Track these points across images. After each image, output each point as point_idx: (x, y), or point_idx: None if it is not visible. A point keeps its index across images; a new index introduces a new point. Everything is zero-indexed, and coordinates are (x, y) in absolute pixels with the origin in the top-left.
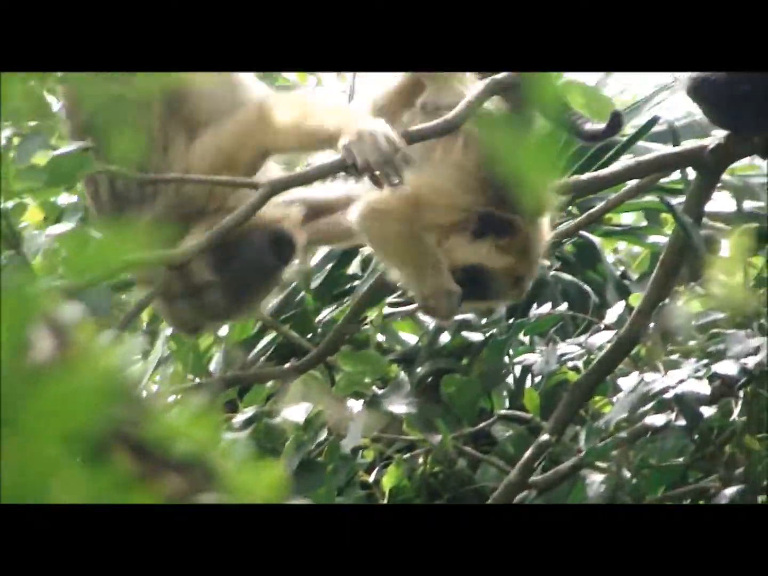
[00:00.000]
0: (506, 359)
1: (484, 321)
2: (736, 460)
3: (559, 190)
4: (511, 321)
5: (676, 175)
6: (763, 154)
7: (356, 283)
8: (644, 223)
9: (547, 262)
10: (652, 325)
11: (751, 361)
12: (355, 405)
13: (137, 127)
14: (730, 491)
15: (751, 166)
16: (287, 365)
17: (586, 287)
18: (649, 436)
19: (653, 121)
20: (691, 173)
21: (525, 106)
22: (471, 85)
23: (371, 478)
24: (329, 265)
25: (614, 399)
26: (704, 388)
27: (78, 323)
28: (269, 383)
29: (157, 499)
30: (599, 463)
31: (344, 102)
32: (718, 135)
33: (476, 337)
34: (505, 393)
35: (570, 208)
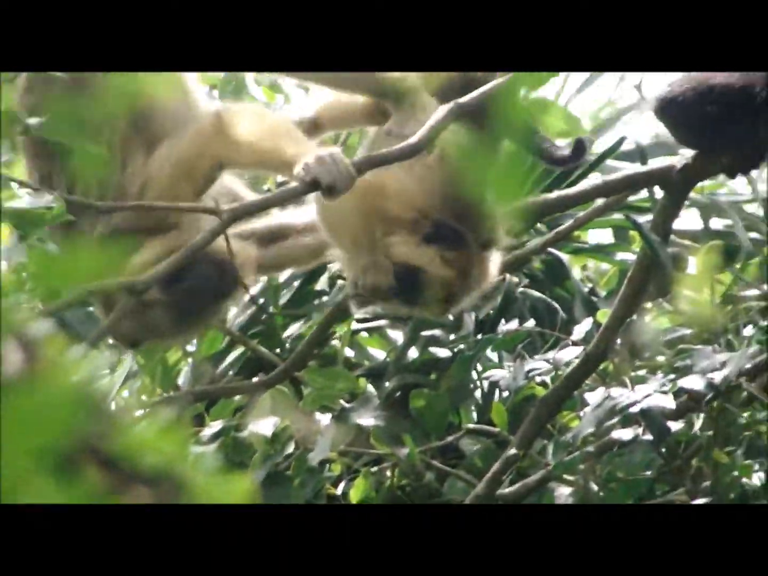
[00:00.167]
0: (474, 375)
1: (452, 337)
2: (703, 474)
3: (522, 215)
4: (478, 337)
5: (643, 193)
6: (731, 173)
7: (324, 299)
8: (612, 241)
9: (515, 279)
10: (619, 341)
11: (717, 376)
12: (323, 419)
13: (98, 142)
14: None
15: (718, 185)
16: (255, 380)
17: (554, 304)
18: (616, 450)
19: (621, 140)
20: (659, 192)
21: (491, 130)
22: (435, 112)
23: (338, 491)
24: (297, 282)
25: (581, 414)
26: (670, 402)
27: (47, 338)
28: (237, 397)
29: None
30: (567, 477)
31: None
32: (686, 154)
33: (444, 353)
34: (473, 408)
35: (538, 225)
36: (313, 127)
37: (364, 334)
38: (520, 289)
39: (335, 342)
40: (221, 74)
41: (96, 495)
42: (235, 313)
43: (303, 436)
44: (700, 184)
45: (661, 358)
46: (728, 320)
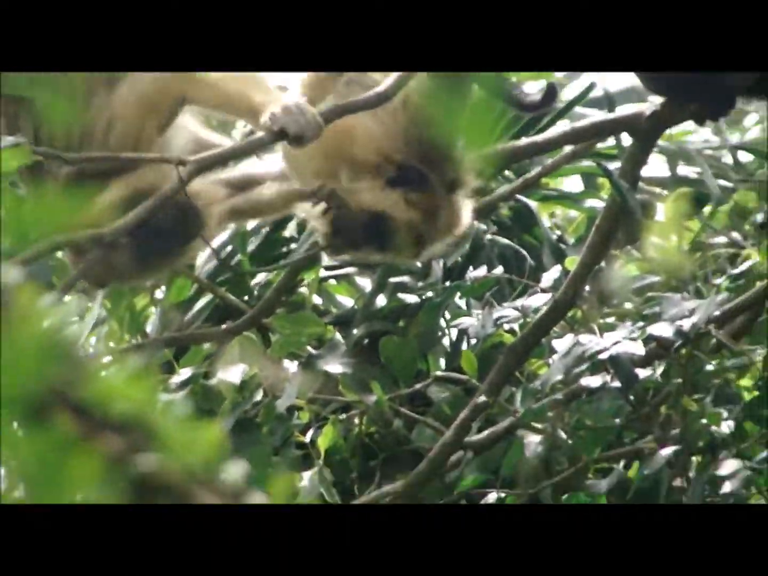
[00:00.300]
0: (442, 323)
1: (420, 284)
2: (671, 421)
3: (491, 161)
4: (447, 284)
5: (611, 141)
6: (699, 120)
7: (293, 246)
8: (581, 188)
9: (483, 226)
10: (588, 288)
11: (686, 324)
12: (291, 366)
13: (59, 83)
14: (665, 452)
15: (686, 132)
16: (223, 327)
17: (523, 251)
18: (584, 397)
19: (590, 87)
20: (626, 140)
21: (459, 76)
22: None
23: (307, 439)
24: (265, 229)
25: (550, 361)
26: (639, 349)
27: (17, 286)
28: (206, 345)
29: (99, 460)
30: (535, 424)
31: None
32: (654, 101)
33: (412, 299)
34: (441, 355)
35: (506, 172)
36: None
37: (333, 281)
38: (488, 237)
39: (303, 290)
40: None
41: (66, 442)
42: (203, 261)
43: (271, 383)
44: (667, 132)
45: (629, 306)
46: (697, 268)
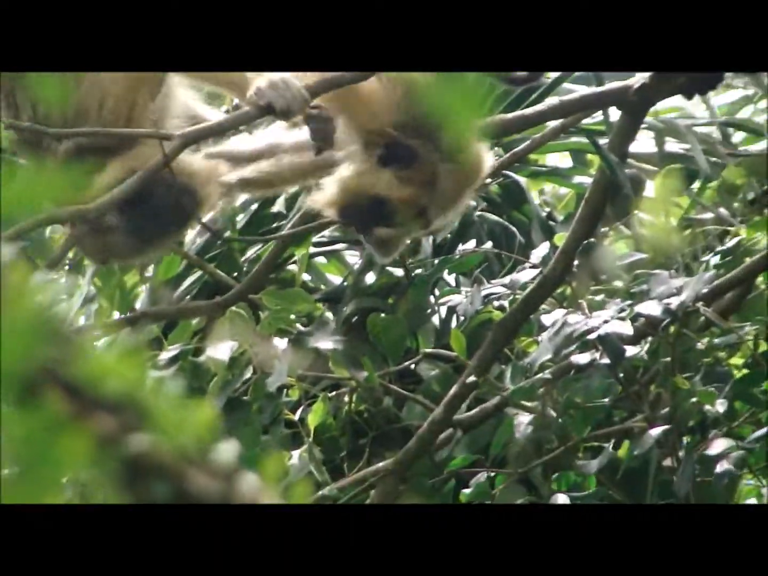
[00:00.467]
0: (432, 299)
1: (410, 260)
2: (661, 400)
3: (484, 130)
4: (436, 261)
5: (599, 117)
6: (687, 93)
7: (282, 222)
8: (570, 164)
9: (472, 203)
10: (577, 264)
11: (674, 302)
12: (281, 343)
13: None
14: (655, 431)
15: (674, 109)
16: (211, 301)
17: (512, 228)
18: (573, 374)
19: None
20: (613, 115)
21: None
22: None
23: (296, 417)
24: (254, 205)
25: (539, 338)
26: (627, 327)
27: (10, 263)
28: (194, 321)
29: (89, 440)
30: (524, 402)
31: None
32: (642, 75)
33: (401, 273)
34: (430, 333)
35: (495, 148)
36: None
37: (322, 258)
38: (477, 213)
39: (292, 267)
40: None
41: (57, 422)
42: (192, 237)
43: (261, 360)
44: (655, 108)
45: (618, 284)
46: (686, 244)
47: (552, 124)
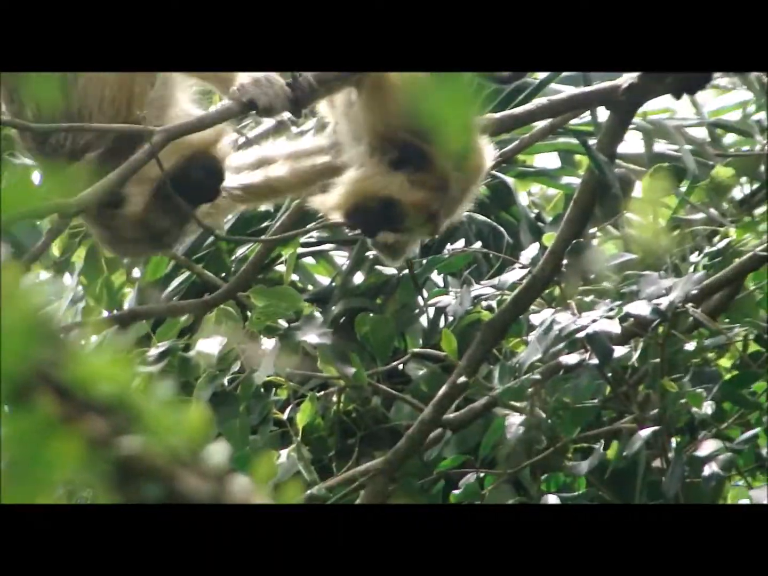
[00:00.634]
0: (420, 300)
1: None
2: (650, 401)
3: (481, 128)
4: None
5: (587, 118)
6: (676, 93)
7: (269, 222)
8: (558, 165)
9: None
10: (565, 263)
11: (663, 302)
12: (269, 342)
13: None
14: (644, 432)
15: (663, 109)
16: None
17: (500, 228)
18: (562, 375)
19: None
20: (601, 116)
21: None
22: None
23: (285, 416)
24: None
25: (528, 338)
26: (615, 326)
27: (3, 264)
28: (182, 318)
29: (80, 442)
30: (514, 403)
31: None
32: (631, 75)
33: (390, 271)
34: (418, 333)
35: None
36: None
37: (310, 259)
38: (466, 213)
39: (280, 267)
40: None
41: (49, 424)
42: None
43: (249, 357)
44: (642, 109)
45: (607, 284)
46: (674, 245)
47: (540, 124)
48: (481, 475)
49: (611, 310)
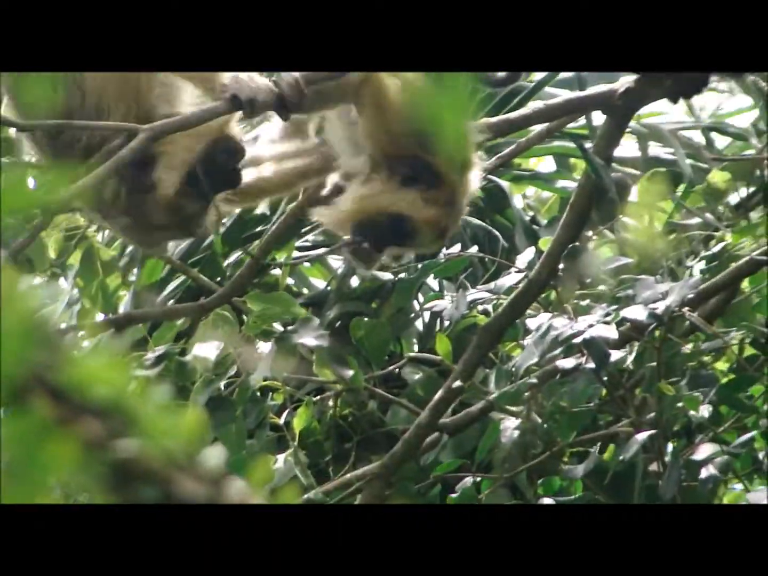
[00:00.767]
0: (416, 305)
1: (393, 265)
2: (647, 405)
3: (479, 132)
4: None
5: (582, 121)
6: (673, 97)
7: (265, 227)
8: (553, 168)
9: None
10: (562, 267)
11: (660, 306)
12: (265, 346)
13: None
14: (641, 436)
15: (658, 113)
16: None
17: (495, 232)
18: (559, 379)
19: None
20: (597, 120)
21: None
22: None
23: (281, 421)
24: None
25: (524, 343)
26: (612, 331)
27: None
28: (179, 322)
29: (76, 445)
30: (510, 407)
31: None
32: (627, 79)
33: (386, 276)
34: (414, 337)
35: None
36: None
37: (306, 263)
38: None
39: (276, 271)
40: None
41: (45, 427)
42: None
43: (245, 361)
44: (638, 113)
45: (603, 288)
46: (670, 249)
47: (537, 127)
48: (478, 479)
49: (608, 314)
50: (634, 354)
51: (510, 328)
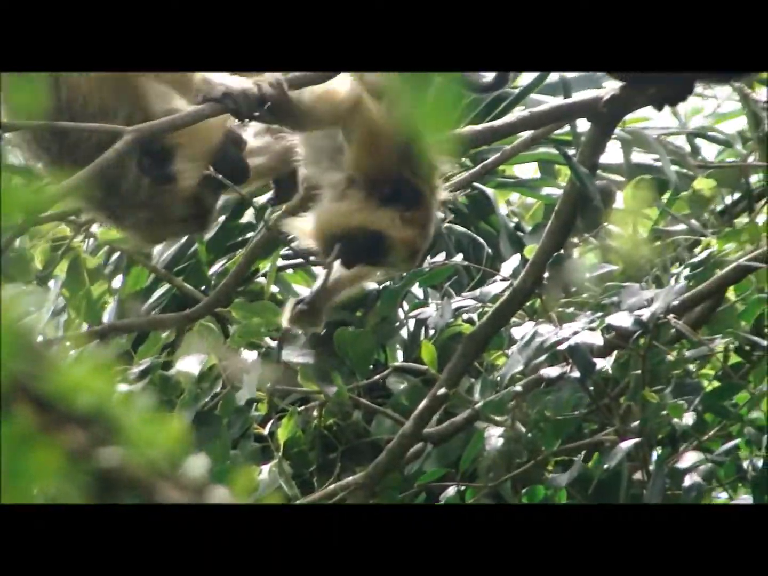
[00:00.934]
0: (401, 313)
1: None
2: (631, 413)
3: (457, 141)
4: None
5: (566, 128)
6: (658, 105)
7: (250, 234)
8: (537, 175)
9: (441, 214)
10: (546, 275)
11: (645, 313)
12: (250, 356)
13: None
14: (626, 444)
15: (643, 118)
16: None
17: (480, 239)
18: (543, 387)
19: (546, 73)
20: (581, 127)
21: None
22: None
23: (266, 431)
24: (222, 217)
25: (509, 352)
26: (597, 338)
27: None
28: (164, 334)
29: (60, 454)
30: (494, 416)
31: None
32: (612, 86)
33: (371, 285)
34: (398, 347)
35: (463, 159)
36: None
37: (290, 270)
38: (445, 225)
39: (261, 279)
40: None
41: (28, 435)
42: (160, 249)
43: (230, 374)
44: (622, 119)
45: (587, 296)
46: (656, 256)
47: (522, 135)
48: (462, 488)
49: (593, 321)
50: (618, 361)
51: (495, 336)
